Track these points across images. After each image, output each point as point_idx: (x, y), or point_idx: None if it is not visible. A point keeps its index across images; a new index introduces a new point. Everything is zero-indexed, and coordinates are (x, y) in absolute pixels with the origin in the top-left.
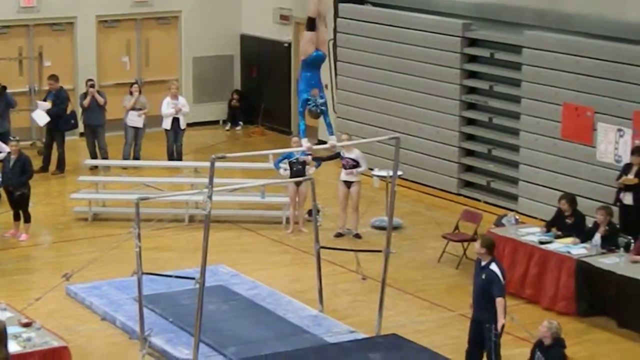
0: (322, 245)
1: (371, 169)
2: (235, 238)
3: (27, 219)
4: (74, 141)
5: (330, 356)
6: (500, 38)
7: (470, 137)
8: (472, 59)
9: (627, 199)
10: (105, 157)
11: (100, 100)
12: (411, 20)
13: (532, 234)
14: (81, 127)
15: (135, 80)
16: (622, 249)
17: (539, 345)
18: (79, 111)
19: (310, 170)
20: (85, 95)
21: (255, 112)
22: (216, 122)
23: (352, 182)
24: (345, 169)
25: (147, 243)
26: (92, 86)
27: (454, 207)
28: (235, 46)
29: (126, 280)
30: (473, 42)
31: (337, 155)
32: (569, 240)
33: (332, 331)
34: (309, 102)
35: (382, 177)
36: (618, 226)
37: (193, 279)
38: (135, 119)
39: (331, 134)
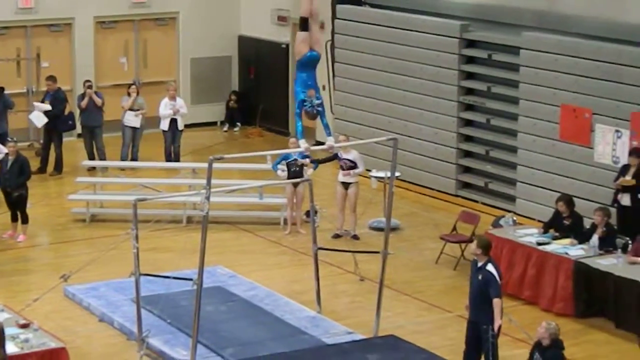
0: (320, 247)
1: (369, 170)
2: (233, 239)
3: (25, 220)
4: (72, 142)
5: (328, 357)
6: (498, 39)
7: (468, 139)
8: (470, 60)
9: (625, 200)
10: (103, 158)
11: (98, 101)
12: (409, 21)
13: (529, 235)
14: (79, 128)
15: (133, 81)
16: (619, 250)
17: (537, 346)
18: (77, 112)
19: (308, 171)
20: (83, 96)
21: (253, 113)
22: (214, 123)
23: (349, 183)
24: (343, 170)
25: (145, 244)
26: (90, 87)
27: (452, 208)
28: (233, 47)
29: (124, 282)
30: (471, 43)
31: (334, 157)
32: (567, 241)
33: (330, 332)
34: (305, 103)
35: (379, 178)
36: (616, 227)
37: (191, 280)
38: (132, 119)
39: (329, 134)
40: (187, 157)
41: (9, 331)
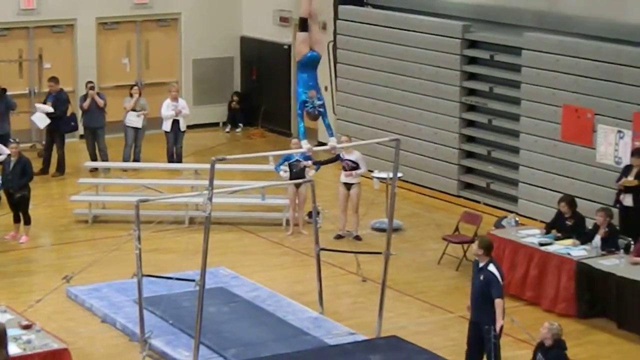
0: (322, 247)
1: (371, 171)
2: (236, 240)
3: (27, 221)
4: (74, 143)
5: (330, 358)
6: (500, 40)
7: (470, 139)
8: (472, 60)
9: (627, 200)
10: (105, 159)
11: (100, 102)
12: (411, 22)
13: (532, 235)
14: (81, 129)
15: (135, 82)
16: (622, 251)
17: (540, 347)
18: (79, 113)
19: (310, 173)
20: (85, 97)
21: (255, 114)
22: (216, 124)
23: (352, 184)
24: (345, 170)
25: (147, 245)
26: (92, 88)
27: (454, 209)
28: (235, 48)
29: (126, 283)
30: (473, 44)
31: (336, 158)
32: (569, 242)
33: (332, 333)
34: (306, 104)
35: (382, 179)
36: (618, 228)
37: (193, 281)
38: (134, 119)
39: (331, 135)
40: (190, 158)
41: (11, 332)
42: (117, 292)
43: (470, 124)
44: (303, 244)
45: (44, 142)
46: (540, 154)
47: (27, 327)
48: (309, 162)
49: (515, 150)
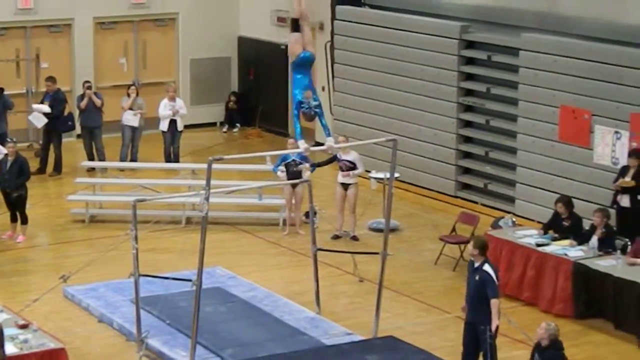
0: (319, 247)
1: (368, 171)
2: (233, 240)
3: (24, 221)
4: (71, 143)
5: (327, 358)
6: (498, 40)
7: (468, 140)
8: (470, 61)
9: (624, 201)
10: (102, 159)
11: (98, 102)
12: (408, 22)
13: (529, 236)
14: (78, 129)
15: (132, 82)
16: (619, 252)
17: (537, 347)
18: (76, 113)
19: (306, 173)
20: (82, 97)
21: (253, 114)
22: (213, 124)
23: (349, 184)
24: (343, 171)
25: (144, 245)
26: (89, 88)
27: (451, 210)
28: (233, 48)
29: (123, 282)
30: (470, 45)
31: (333, 159)
32: (566, 242)
33: (329, 333)
34: (302, 105)
35: (379, 179)
36: (615, 228)
37: (190, 280)
38: (130, 118)
39: (328, 135)
40: (187, 158)
41: (8, 332)
42: (114, 291)
43: (468, 124)
44: (300, 244)
45: (41, 142)
46: (538, 155)
47: (24, 327)
48: (306, 165)
49: (512, 151)
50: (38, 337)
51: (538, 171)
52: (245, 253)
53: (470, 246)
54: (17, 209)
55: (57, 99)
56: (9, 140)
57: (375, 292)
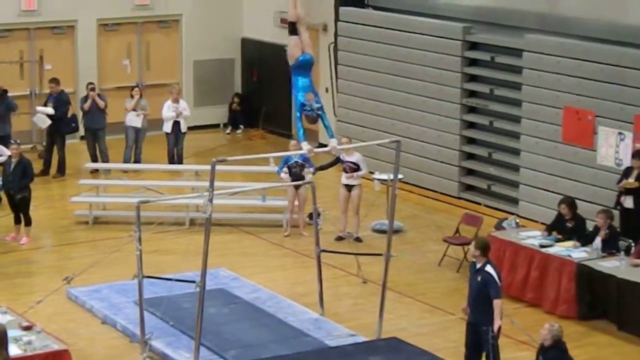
0: (322, 249)
1: (372, 173)
2: (236, 241)
3: (28, 223)
4: (75, 144)
5: (330, 359)
6: (501, 41)
7: (471, 141)
8: (473, 62)
9: (628, 202)
10: (105, 161)
11: (101, 103)
12: (412, 23)
13: (532, 237)
14: (82, 131)
15: (136, 84)
16: (622, 253)
17: (541, 348)
18: (80, 114)
19: (308, 176)
20: (85, 98)
21: (256, 115)
22: (217, 126)
23: (353, 186)
24: (346, 172)
25: (148, 246)
26: (93, 89)
27: (455, 211)
28: (236, 50)
29: (127, 284)
30: (474, 46)
31: (336, 161)
32: (570, 243)
33: (332, 334)
34: (305, 107)
35: (382, 181)
36: (618, 230)
37: (194, 282)
38: (134, 119)
39: (331, 136)
40: (190, 160)
41: (11, 333)
42: (118, 293)
43: (471, 125)
44: (303, 245)
45: (44, 144)
46: (541, 156)
47: (27, 328)
48: (311, 169)
49: (516, 152)
50: (42, 338)
51: (541, 172)
52: (248, 254)
53: (471, 247)
54: (21, 210)
55: (60, 101)
56: (12, 142)
57: (378, 294)
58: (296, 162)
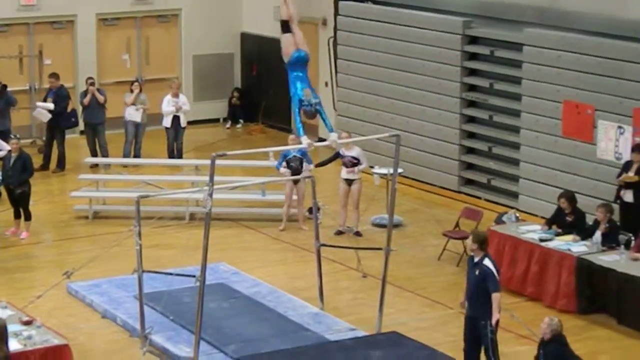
0: (322, 243)
1: (372, 167)
2: (236, 236)
3: (28, 217)
4: (75, 139)
5: (330, 354)
6: (501, 35)
7: (471, 135)
8: (473, 56)
9: (628, 196)
10: (105, 155)
11: (101, 98)
12: (411, 17)
13: (532, 231)
14: (81, 125)
15: (135, 79)
16: (622, 247)
17: (541, 342)
18: (79, 109)
19: (306, 172)
20: (85, 93)
21: (256, 109)
22: (216, 120)
23: (352, 180)
24: (346, 167)
25: (148, 241)
26: (93, 84)
27: (455, 205)
28: (236, 44)
29: (127, 278)
30: (473, 40)
31: (336, 156)
32: (570, 237)
33: (332, 329)
34: (303, 103)
35: (382, 175)
36: (618, 224)
37: (194, 276)
38: (133, 113)
39: (331, 130)
40: (190, 154)
41: (12, 328)
42: (118, 287)
43: (471, 120)
44: (303, 239)
45: (44, 138)
46: (541, 150)
47: (27, 323)
48: (311, 166)
49: (515, 146)
50: (42, 333)
51: (541, 166)
52: (248, 249)
53: (469, 241)
54: (21, 205)
55: (60, 96)
56: (12, 136)
57: (378, 288)
58: (294, 156)
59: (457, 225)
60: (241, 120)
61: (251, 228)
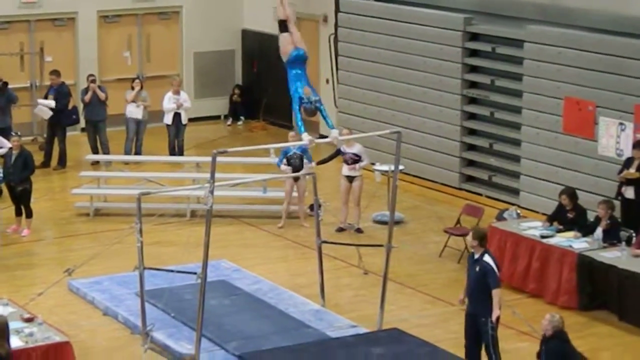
0: (323, 240)
1: (373, 164)
2: (237, 233)
3: (29, 215)
4: (76, 136)
5: (332, 351)
6: (502, 32)
7: (472, 132)
8: (474, 53)
9: (629, 192)
10: (106, 152)
11: (102, 95)
12: (412, 14)
13: (533, 228)
14: (82, 123)
15: (136, 76)
16: (623, 243)
17: (543, 338)
18: (80, 106)
19: (308, 166)
20: (86, 90)
21: (257, 106)
22: (217, 117)
23: (353, 177)
24: (348, 164)
25: (149, 238)
26: (94, 81)
27: (456, 202)
28: (237, 41)
29: (128, 275)
30: (474, 37)
31: (336, 153)
32: (571, 234)
33: (334, 326)
34: (303, 101)
35: (383, 172)
36: (619, 220)
37: (195, 274)
38: (134, 110)
39: (331, 127)
40: (191, 151)
41: (13, 325)
42: (119, 285)
43: (472, 116)
44: (304, 236)
45: (45, 136)
46: (542, 147)
47: (29, 320)
48: (312, 164)
49: (517, 143)
50: (43, 330)
51: (542, 163)
52: (249, 246)
53: (469, 237)
54: (22, 202)
55: (61, 93)
56: (13, 134)
57: (379, 285)
58: (295, 153)
59: (458, 222)
60: (242, 117)
61: (252, 225)
